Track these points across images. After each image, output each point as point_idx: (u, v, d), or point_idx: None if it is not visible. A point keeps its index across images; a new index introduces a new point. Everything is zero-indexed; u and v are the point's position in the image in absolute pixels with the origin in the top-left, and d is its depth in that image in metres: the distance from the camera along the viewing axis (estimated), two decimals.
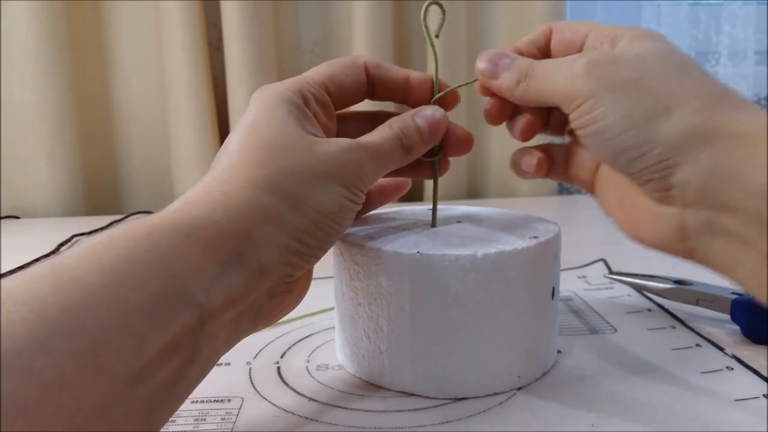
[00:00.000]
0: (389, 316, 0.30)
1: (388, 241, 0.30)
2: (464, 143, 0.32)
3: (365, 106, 0.33)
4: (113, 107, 0.90)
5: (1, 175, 0.85)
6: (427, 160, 0.33)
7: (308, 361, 0.35)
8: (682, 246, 0.26)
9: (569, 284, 0.48)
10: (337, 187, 0.26)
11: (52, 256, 0.58)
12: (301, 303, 0.29)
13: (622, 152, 0.25)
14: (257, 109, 0.27)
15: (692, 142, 0.24)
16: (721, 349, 0.35)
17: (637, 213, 0.27)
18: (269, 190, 0.24)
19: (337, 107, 0.31)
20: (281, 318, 0.28)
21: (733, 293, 0.38)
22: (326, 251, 0.27)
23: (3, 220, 0.82)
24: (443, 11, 0.32)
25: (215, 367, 0.24)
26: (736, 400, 0.30)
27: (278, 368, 0.34)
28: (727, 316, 0.38)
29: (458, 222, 0.34)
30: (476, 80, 0.31)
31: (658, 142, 0.24)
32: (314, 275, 0.30)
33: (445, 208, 0.38)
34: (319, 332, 0.39)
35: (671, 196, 0.25)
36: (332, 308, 0.35)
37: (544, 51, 0.32)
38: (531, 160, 0.32)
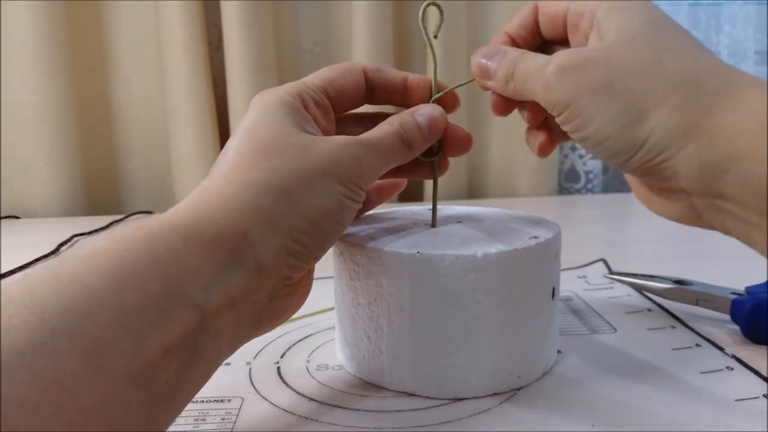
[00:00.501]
0: (389, 316, 0.30)
1: (388, 241, 0.30)
2: (463, 143, 0.32)
3: (364, 110, 0.33)
4: (113, 107, 0.90)
5: (1, 175, 0.85)
6: (427, 160, 0.33)
7: (308, 361, 0.35)
8: (699, 222, 0.26)
9: (569, 284, 0.48)
10: (335, 185, 0.26)
11: (52, 256, 0.59)
12: None
13: (613, 155, 0.26)
14: (255, 113, 0.27)
15: (676, 140, 0.24)
16: (721, 349, 0.35)
17: (652, 192, 0.28)
18: (265, 191, 0.24)
19: (337, 112, 0.31)
20: (283, 322, 0.28)
21: (733, 293, 0.38)
22: (325, 251, 0.27)
23: (3, 220, 0.82)
24: (441, 12, 0.32)
25: None
26: (736, 400, 0.30)
27: (278, 368, 0.34)
28: (727, 316, 0.38)
29: (458, 222, 0.34)
30: (473, 80, 0.32)
31: (641, 145, 0.25)
32: (314, 275, 0.30)
33: (445, 208, 0.38)
34: (319, 332, 0.39)
35: (671, 187, 0.25)
36: (332, 308, 0.35)
37: (533, 30, 0.31)
38: (534, 142, 0.33)
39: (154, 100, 0.89)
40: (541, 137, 0.32)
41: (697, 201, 0.25)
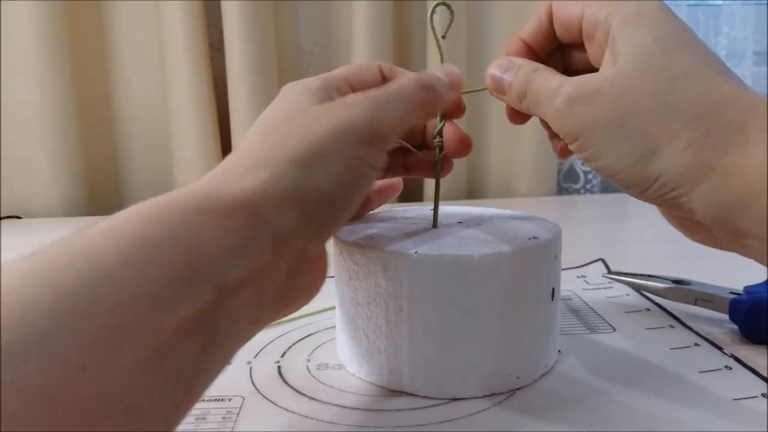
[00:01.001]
0: (388, 316, 0.30)
1: (388, 241, 0.31)
2: (462, 145, 0.32)
3: None
4: (114, 107, 0.90)
5: (3, 175, 0.85)
6: (430, 160, 0.33)
7: (309, 361, 0.35)
8: (724, 248, 0.26)
9: (568, 284, 0.48)
10: (348, 147, 0.25)
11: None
12: None
13: (627, 188, 0.26)
14: (279, 96, 0.28)
15: (690, 178, 0.24)
16: (719, 348, 0.36)
17: (674, 220, 0.28)
18: (276, 162, 0.24)
19: None
20: (302, 305, 0.28)
21: (732, 293, 0.39)
22: (341, 223, 0.26)
23: (5, 221, 0.82)
24: (451, 12, 0.31)
25: None
26: (735, 400, 0.30)
27: (279, 367, 0.34)
28: (726, 316, 0.38)
29: (459, 222, 0.35)
30: (485, 88, 0.31)
31: (654, 180, 0.24)
32: None
33: (446, 209, 0.38)
34: (319, 331, 0.39)
35: (693, 219, 0.25)
36: (333, 308, 0.36)
37: (548, 33, 0.31)
38: (555, 146, 0.32)
39: (155, 101, 0.89)
40: (561, 143, 0.32)
41: (718, 234, 0.25)
